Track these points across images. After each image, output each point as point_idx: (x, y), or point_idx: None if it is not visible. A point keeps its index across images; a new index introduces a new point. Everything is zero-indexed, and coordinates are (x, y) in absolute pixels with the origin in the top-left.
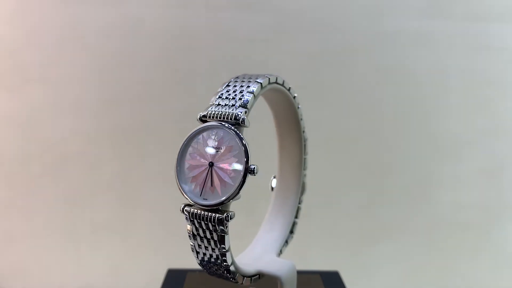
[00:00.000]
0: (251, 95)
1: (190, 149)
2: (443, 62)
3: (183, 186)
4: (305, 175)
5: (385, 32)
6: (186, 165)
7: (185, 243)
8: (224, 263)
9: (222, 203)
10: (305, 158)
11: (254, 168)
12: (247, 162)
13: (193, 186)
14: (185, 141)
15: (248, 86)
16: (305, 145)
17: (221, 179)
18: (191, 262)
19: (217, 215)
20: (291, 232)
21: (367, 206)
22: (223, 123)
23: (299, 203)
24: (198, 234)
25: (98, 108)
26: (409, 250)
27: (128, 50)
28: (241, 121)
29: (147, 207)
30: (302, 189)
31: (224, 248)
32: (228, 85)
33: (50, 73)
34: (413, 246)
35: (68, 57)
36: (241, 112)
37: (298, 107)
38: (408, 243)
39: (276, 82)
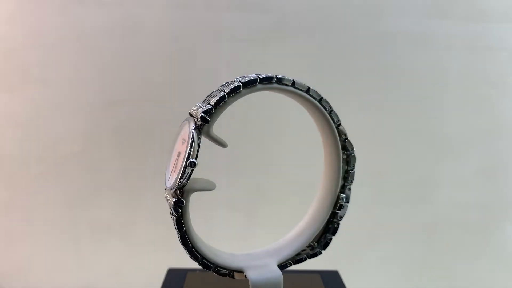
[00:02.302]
0: (223, 94)
1: (177, 140)
2: (443, 62)
3: (167, 170)
4: (348, 189)
5: (385, 32)
6: (173, 152)
7: None
8: (182, 243)
9: (171, 188)
10: (347, 170)
11: (191, 162)
12: (188, 154)
13: (169, 171)
14: (176, 132)
15: (230, 86)
16: (347, 154)
17: (176, 167)
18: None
19: (169, 198)
20: (323, 247)
21: (367, 206)
22: (190, 119)
23: (334, 218)
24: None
25: (98, 108)
26: (408, 250)
27: (128, 51)
28: (200, 118)
29: (147, 207)
30: (336, 203)
31: (177, 230)
32: (223, 84)
33: (50, 74)
34: (413, 246)
35: (68, 57)
36: (204, 110)
37: (330, 111)
38: (407, 243)
39: (278, 83)
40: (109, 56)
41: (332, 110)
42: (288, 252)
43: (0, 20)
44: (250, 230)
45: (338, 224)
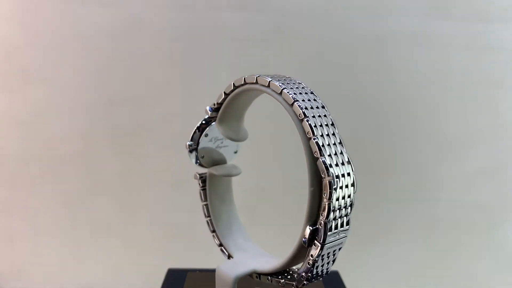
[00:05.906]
0: (223, 92)
1: None
2: (443, 62)
3: None
4: (321, 224)
5: (385, 32)
6: None
7: (185, 243)
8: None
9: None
10: (319, 200)
11: (186, 144)
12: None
13: None
14: None
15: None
16: (318, 179)
17: None
18: (191, 262)
19: None
20: (297, 284)
21: (367, 206)
22: None
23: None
24: None
25: (98, 108)
26: (409, 250)
27: (128, 51)
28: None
29: (147, 207)
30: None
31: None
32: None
33: (51, 74)
34: (413, 246)
35: (68, 58)
36: (212, 104)
37: (301, 120)
38: (408, 243)
39: (259, 84)
40: (109, 56)
41: (302, 119)
42: (268, 266)
43: (1, 20)
44: (250, 230)
45: (311, 265)
